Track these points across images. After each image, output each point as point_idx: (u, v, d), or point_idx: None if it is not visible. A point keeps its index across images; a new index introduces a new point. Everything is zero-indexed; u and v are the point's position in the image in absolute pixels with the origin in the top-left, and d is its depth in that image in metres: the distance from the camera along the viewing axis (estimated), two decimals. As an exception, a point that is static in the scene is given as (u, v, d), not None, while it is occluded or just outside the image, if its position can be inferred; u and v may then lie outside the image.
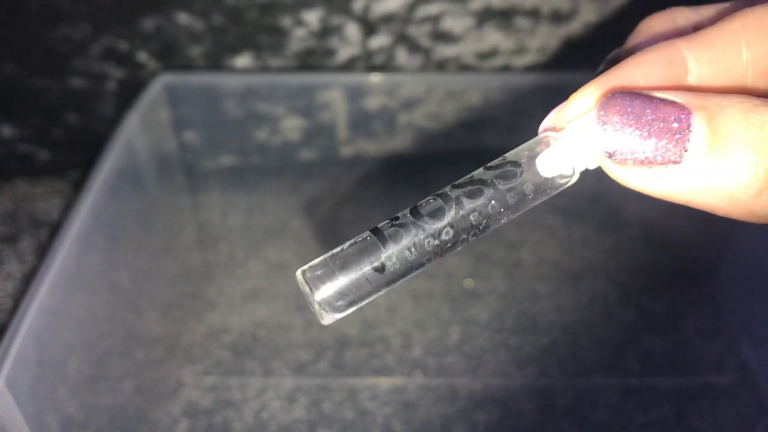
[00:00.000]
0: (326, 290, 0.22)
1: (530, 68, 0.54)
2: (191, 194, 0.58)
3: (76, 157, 0.54)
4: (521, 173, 0.22)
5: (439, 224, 0.22)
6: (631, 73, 0.21)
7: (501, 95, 0.54)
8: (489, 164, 0.23)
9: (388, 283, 0.22)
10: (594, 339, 0.54)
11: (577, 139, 0.22)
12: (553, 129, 0.23)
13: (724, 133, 0.19)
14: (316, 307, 0.22)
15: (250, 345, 0.54)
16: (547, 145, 0.22)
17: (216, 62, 0.53)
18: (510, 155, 0.23)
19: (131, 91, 0.52)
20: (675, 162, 0.20)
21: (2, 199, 0.51)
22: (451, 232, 0.22)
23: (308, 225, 0.60)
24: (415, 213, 0.22)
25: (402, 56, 0.53)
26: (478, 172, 0.22)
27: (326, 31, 0.51)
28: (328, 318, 0.22)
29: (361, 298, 0.22)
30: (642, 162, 0.20)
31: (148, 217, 0.52)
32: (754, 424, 0.48)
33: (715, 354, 0.53)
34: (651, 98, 0.20)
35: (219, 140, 0.56)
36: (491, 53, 0.53)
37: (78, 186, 0.50)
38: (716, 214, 0.21)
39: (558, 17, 0.51)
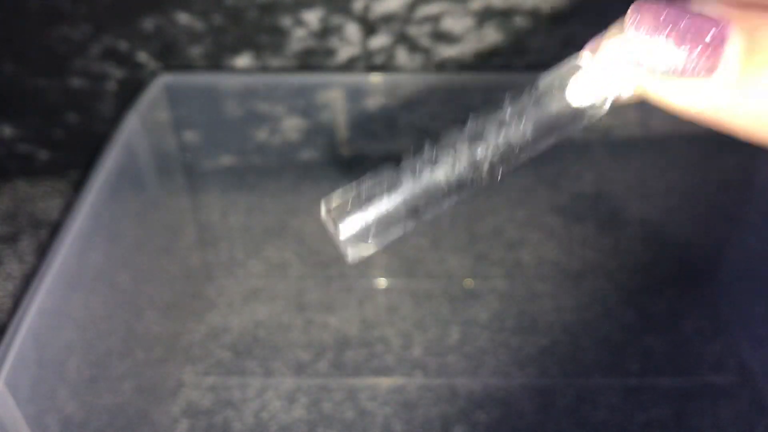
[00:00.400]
0: (351, 226, 0.21)
1: (530, 68, 0.54)
2: (191, 194, 0.58)
3: (76, 157, 0.54)
4: (537, 92, 0.22)
5: (453, 140, 0.22)
6: None
7: (501, 95, 0.54)
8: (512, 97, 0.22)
9: (410, 212, 0.21)
10: (594, 339, 0.54)
11: (609, 60, 0.21)
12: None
13: (763, 48, 0.18)
14: (342, 244, 0.21)
15: (250, 345, 0.54)
16: (576, 70, 0.22)
17: (216, 62, 0.52)
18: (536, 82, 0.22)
19: (131, 91, 0.52)
20: (708, 73, 0.19)
21: (2, 199, 0.51)
22: (466, 145, 0.21)
23: (308, 225, 0.59)
24: (434, 143, 0.22)
25: (402, 56, 0.53)
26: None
27: (326, 31, 0.51)
28: (354, 254, 0.22)
29: (385, 230, 0.22)
30: (673, 72, 0.19)
31: (148, 217, 0.51)
32: (754, 424, 0.48)
33: (715, 354, 0.53)
34: (687, 9, 0.19)
35: (219, 140, 0.56)
36: (491, 53, 0.53)
37: (78, 186, 0.50)
38: (743, 139, 0.20)
39: (558, 17, 0.51)
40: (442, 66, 0.54)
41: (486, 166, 0.21)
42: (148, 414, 0.48)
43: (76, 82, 0.52)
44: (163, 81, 0.51)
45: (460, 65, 0.54)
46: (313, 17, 0.50)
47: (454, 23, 0.51)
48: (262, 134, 0.55)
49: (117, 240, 0.46)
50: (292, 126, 0.55)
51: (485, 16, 0.51)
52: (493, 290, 0.58)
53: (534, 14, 0.51)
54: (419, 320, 0.56)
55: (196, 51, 0.52)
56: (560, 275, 0.59)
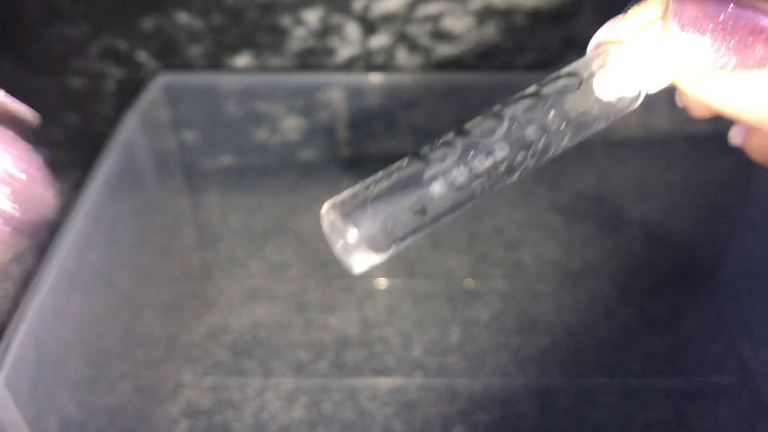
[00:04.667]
0: (361, 228, 0.17)
1: (530, 68, 0.54)
2: (191, 194, 0.57)
3: (76, 156, 0.54)
4: (580, 84, 0.19)
5: (491, 138, 0.18)
6: None
7: (501, 95, 0.54)
8: (542, 80, 0.19)
9: (434, 217, 0.18)
10: (594, 339, 0.54)
11: (642, 53, 0.19)
12: (609, 43, 0.20)
13: None
14: (351, 248, 0.17)
15: (250, 345, 0.54)
16: (604, 61, 0.19)
17: (216, 62, 0.52)
18: (565, 69, 0.20)
19: (131, 90, 0.52)
20: (761, 66, 0.17)
21: (2, 199, 0.51)
22: (507, 147, 0.18)
23: (308, 225, 0.59)
24: (462, 131, 0.19)
25: (402, 56, 0.53)
26: (531, 88, 0.19)
27: (326, 30, 0.51)
28: (360, 263, 0.17)
29: (402, 237, 0.18)
30: (722, 66, 0.17)
31: (148, 217, 0.51)
32: (754, 425, 0.48)
33: (716, 354, 0.53)
34: (730, 1, 0.18)
35: (219, 140, 0.56)
36: (491, 53, 0.53)
37: (78, 186, 0.50)
38: None
39: (558, 17, 0.51)
40: (442, 65, 0.54)
41: (519, 166, 0.19)
42: (148, 414, 0.48)
43: (75, 81, 0.52)
44: (162, 81, 0.51)
45: (460, 65, 0.54)
46: (313, 17, 0.50)
47: (453, 23, 0.51)
48: (262, 134, 0.55)
49: (116, 240, 0.46)
50: (292, 126, 0.55)
51: (485, 15, 0.51)
52: (493, 290, 0.58)
53: (534, 14, 0.51)
54: (419, 320, 0.56)
55: (195, 51, 0.52)
56: (560, 275, 0.58)
